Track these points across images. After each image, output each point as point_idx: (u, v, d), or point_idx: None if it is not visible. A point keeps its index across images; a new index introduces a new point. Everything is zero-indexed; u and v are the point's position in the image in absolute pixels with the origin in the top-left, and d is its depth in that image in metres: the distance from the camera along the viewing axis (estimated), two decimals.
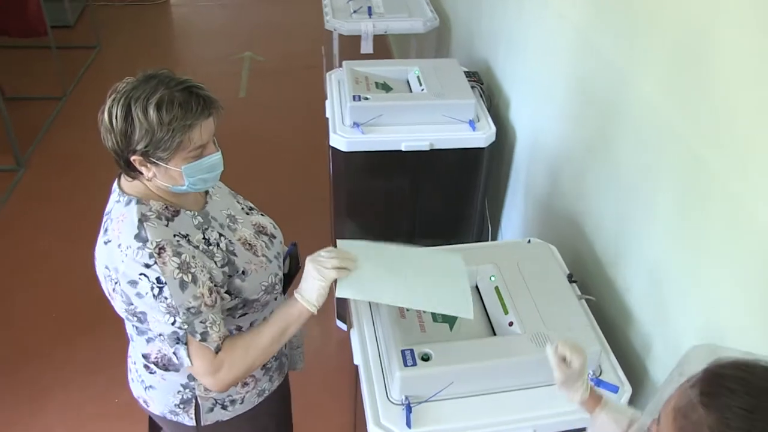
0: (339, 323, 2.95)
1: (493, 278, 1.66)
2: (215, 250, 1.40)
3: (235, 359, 1.39)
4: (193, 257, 1.34)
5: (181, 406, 1.53)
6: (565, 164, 2.08)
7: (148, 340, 1.43)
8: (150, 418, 1.70)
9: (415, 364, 1.42)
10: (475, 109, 2.39)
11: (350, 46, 3.46)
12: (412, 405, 1.42)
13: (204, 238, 1.40)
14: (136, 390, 1.59)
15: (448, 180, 2.51)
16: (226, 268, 1.41)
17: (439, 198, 2.57)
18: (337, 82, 2.63)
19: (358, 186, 2.53)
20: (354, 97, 2.36)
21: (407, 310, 1.57)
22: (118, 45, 5.56)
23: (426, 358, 1.44)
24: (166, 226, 1.35)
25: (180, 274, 1.31)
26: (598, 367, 1.53)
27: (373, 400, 1.46)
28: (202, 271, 1.35)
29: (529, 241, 1.85)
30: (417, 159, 2.36)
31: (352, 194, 2.54)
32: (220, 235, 1.44)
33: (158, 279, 1.29)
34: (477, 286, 1.70)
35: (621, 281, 1.73)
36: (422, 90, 2.46)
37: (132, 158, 1.31)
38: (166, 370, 1.47)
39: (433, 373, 1.42)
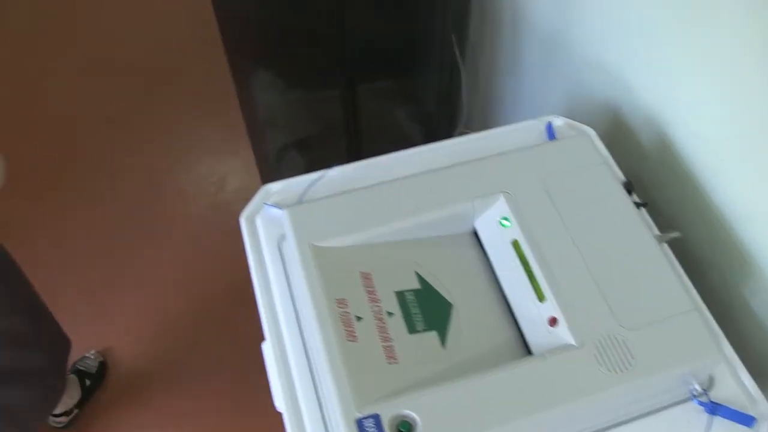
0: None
1: (506, 223, 0.92)
2: None
3: None
4: None
5: None
6: None
7: None
8: None
9: None
10: None
11: None
12: None
13: None
14: None
15: None
16: None
17: (376, 13, 1.73)
18: None
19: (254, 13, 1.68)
20: None
21: (358, 318, 0.83)
22: None
23: (406, 429, 0.74)
24: None
25: None
26: (707, 379, 0.86)
27: None
28: None
29: (549, 127, 1.08)
30: None
31: (246, 27, 1.69)
32: None
33: None
34: (477, 235, 0.96)
35: (731, 197, 0.99)
36: None
37: None
38: None
39: None
